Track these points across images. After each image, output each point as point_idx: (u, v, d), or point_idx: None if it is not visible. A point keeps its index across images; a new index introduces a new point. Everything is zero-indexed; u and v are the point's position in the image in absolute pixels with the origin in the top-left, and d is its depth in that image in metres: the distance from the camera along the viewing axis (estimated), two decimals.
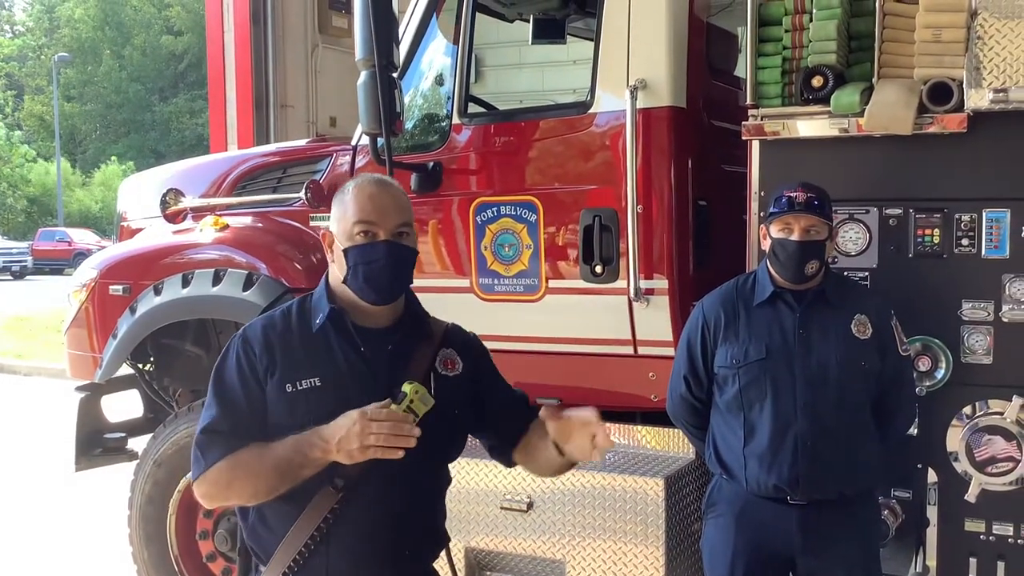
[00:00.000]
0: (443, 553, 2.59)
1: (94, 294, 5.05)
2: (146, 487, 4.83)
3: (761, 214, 3.52)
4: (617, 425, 4.12)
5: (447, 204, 4.22)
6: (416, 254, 2.42)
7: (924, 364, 3.39)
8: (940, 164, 3.40)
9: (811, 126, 3.49)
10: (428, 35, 4.31)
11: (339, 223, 2.34)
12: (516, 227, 4.06)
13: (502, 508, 3.92)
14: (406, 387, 2.22)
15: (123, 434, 5.35)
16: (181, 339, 4.95)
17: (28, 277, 34.77)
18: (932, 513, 3.47)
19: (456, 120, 4.19)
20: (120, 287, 4.95)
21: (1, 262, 34.67)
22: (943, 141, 3.34)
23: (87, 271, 5.20)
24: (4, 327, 18.29)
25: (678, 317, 3.81)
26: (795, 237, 3.07)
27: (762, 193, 3.57)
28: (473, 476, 3.98)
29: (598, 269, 3.91)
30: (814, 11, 3.46)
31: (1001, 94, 3.17)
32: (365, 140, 4.16)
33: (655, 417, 3.95)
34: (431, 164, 4.20)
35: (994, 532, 3.39)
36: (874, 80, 3.39)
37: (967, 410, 3.39)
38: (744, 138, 3.60)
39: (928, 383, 3.40)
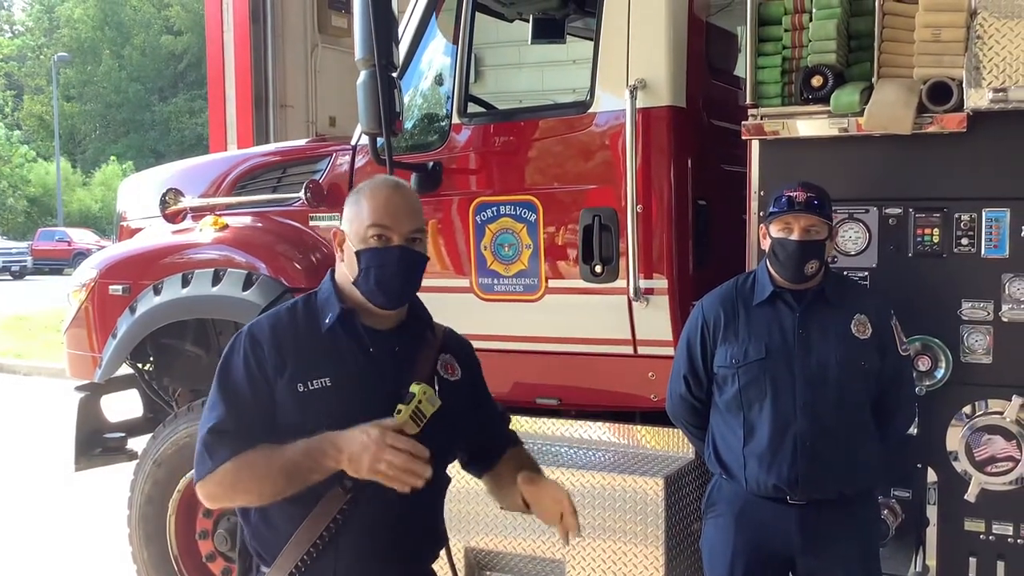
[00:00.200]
0: (443, 553, 2.59)
1: (94, 294, 5.04)
2: (146, 487, 4.83)
3: (761, 214, 3.52)
4: (617, 425, 4.13)
5: (447, 204, 4.22)
6: (427, 260, 2.41)
7: (924, 364, 3.39)
8: (940, 164, 3.40)
9: (811, 126, 3.49)
10: (428, 35, 4.31)
11: (352, 224, 2.32)
12: (516, 227, 4.06)
13: (502, 508, 3.91)
14: (414, 388, 2.24)
15: (123, 434, 5.35)
16: (181, 339, 4.95)
17: (28, 277, 34.77)
18: (932, 513, 3.47)
19: (456, 120, 4.19)
20: (120, 287, 4.95)
21: (1, 262, 34.67)
22: (943, 141, 3.34)
23: (87, 271, 5.20)
24: (4, 327, 18.29)
25: (678, 317, 3.81)
26: (795, 237, 3.07)
27: (762, 193, 3.57)
28: (472, 475, 3.97)
29: (598, 269, 3.91)
30: (814, 10, 3.46)
31: (1001, 94, 3.17)
32: (365, 140, 4.16)
33: (655, 417, 3.95)
34: (431, 164, 4.20)
35: (994, 532, 3.39)
36: (874, 80, 3.39)
37: (967, 410, 3.39)
38: (744, 138, 3.60)
39: (928, 383, 3.40)
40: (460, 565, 3.91)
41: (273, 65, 6.27)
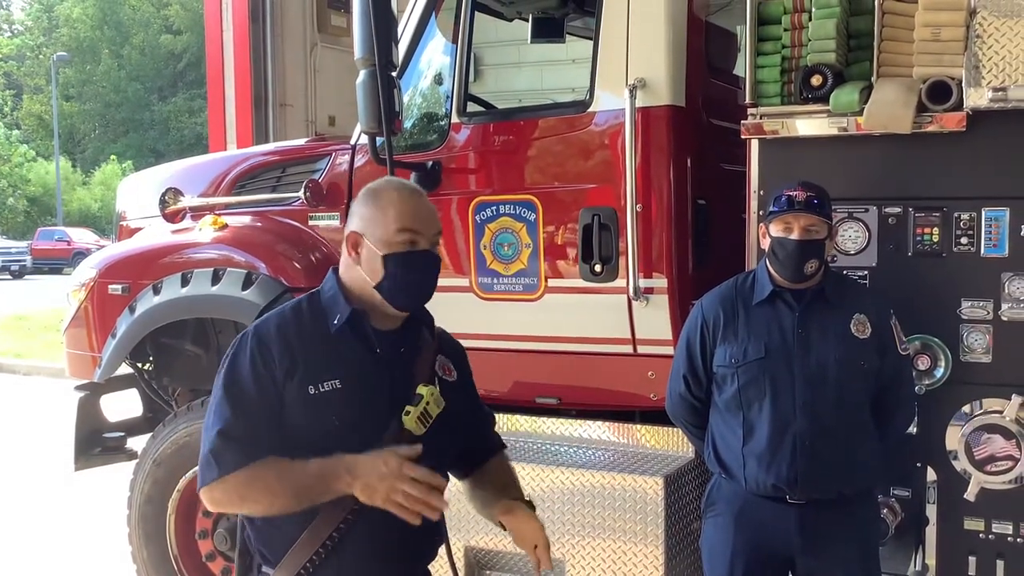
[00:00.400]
0: (443, 552, 2.60)
1: (93, 293, 5.04)
2: (145, 486, 4.82)
3: (760, 213, 3.51)
4: (616, 424, 4.13)
5: (446, 203, 4.21)
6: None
7: (923, 363, 3.39)
8: (939, 163, 3.40)
9: (810, 125, 3.49)
10: (427, 34, 4.31)
11: (375, 227, 2.28)
12: (515, 226, 4.06)
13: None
14: (422, 389, 2.27)
15: (122, 433, 5.35)
16: (180, 338, 4.95)
17: (27, 276, 34.75)
18: (931, 512, 3.47)
19: (455, 119, 4.19)
20: (119, 286, 4.95)
21: (0, 261, 34.67)
22: (942, 140, 3.34)
23: (86, 270, 5.20)
24: (3, 326, 18.29)
25: (677, 316, 3.81)
26: (795, 236, 3.07)
27: (761, 192, 3.57)
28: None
29: (597, 268, 3.91)
30: (813, 10, 3.46)
31: (1000, 93, 3.17)
32: (364, 139, 4.16)
33: (654, 416, 3.95)
34: (430, 163, 4.20)
35: (993, 531, 3.39)
36: (873, 79, 3.39)
37: (966, 409, 3.39)
38: (743, 137, 3.60)
39: (927, 382, 3.40)
40: (460, 564, 3.90)
41: (272, 64, 6.27)
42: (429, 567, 2.50)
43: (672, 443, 3.99)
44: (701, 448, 3.36)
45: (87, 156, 52.66)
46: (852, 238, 3.49)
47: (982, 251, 3.34)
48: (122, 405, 5.48)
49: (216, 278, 4.60)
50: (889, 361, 3.15)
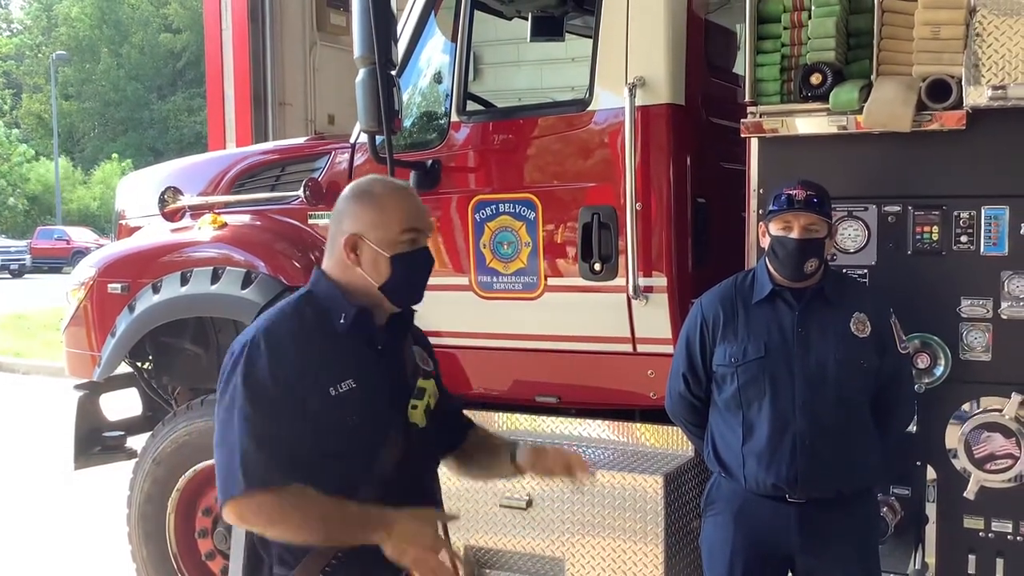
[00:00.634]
0: (444, 551, 2.60)
1: (93, 292, 5.04)
2: (145, 485, 4.83)
3: (760, 211, 3.51)
4: (616, 422, 4.13)
5: (446, 202, 4.22)
6: None
7: (923, 361, 3.39)
8: (939, 161, 3.40)
9: (810, 123, 3.48)
10: (426, 33, 4.31)
11: (378, 229, 2.27)
12: (515, 225, 4.06)
13: (501, 506, 3.92)
14: (423, 383, 2.32)
15: (122, 432, 5.35)
16: (180, 337, 4.95)
17: (27, 275, 34.75)
18: (931, 510, 3.47)
19: (455, 118, 4.19)
20: (119, 285, 4.95)
21: (0, 260, 34.67)
22: (942, 138, 3.34)
23: (86, 269, 5.20)
24: (3, 325, 18.28)
25: (677, 315, 3.81)
26: (794, 235, 3.07)
27: (761, 190, 3.57)
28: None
29: (597, 267, 3.91)
30: (813, 8, 3.45)
31: (1000, 91, 3.17)
32: (364, 138, 4.16)
33: (654, 415, 3.95)
34: (430, 162, 4.20)
35: (993, 529, 3.39)
36: (873, 77, 3.38)
37: (966, 407, 3.39)
38: (743, 135, 3.60)
39: (927, 380, 3.40)
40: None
41: (272, 63, 6.26)
42: None
43: (672, 442, 3.99)
44: (701, 447, 3.36)
45: (86, 155, 52.64)
46: (852, 237, 3.49)
47: (982, 249, 3.34)
48: (121, 404, 5.47)
49: (215, 277, 4.60)
50: (889, 360, 3.15)
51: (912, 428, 3.39)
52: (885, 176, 3.47)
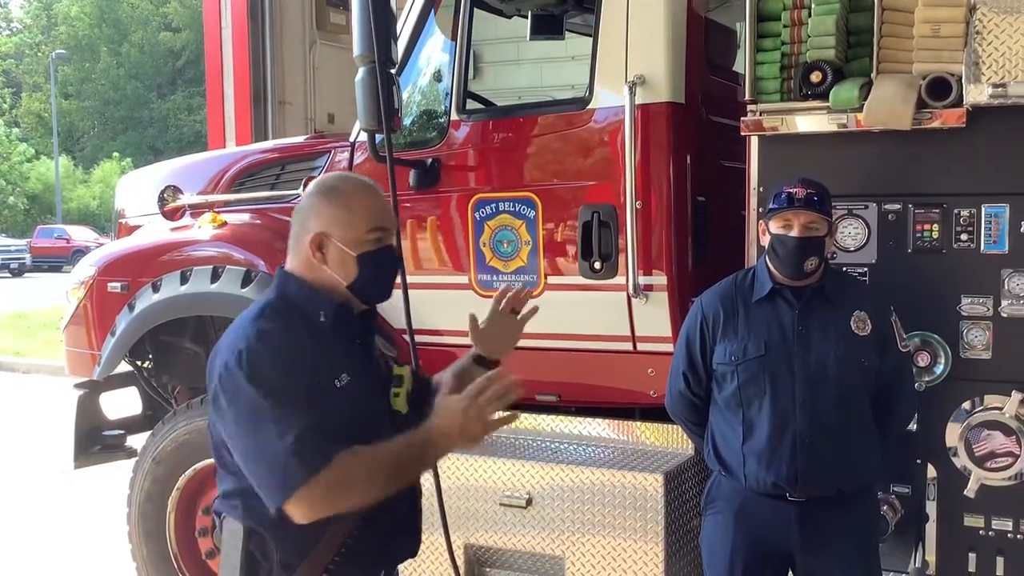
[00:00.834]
0: (444, 549, 2.62)
1: (92, 291, 5.04)
2: (145, 484, 4.82)
3: (760, 210, 3.51)
4: (616, 421, 4.13)
5: (446, 200, 4.22)
6: None
7: (923, 359, 3.39)
8: (939, 159, 3.39)
9: (810, 121, 3.48)
10: (426, 31, 4.31)
11: (345, 228, 2.26)
12: (515, 223, 4.06)
13: (501, 504, 3.92)
14: (400, 370, 2.36)
15: (122, 431, 5.35)
16: (180, 336, 4.95)
17: (27, 274, 34.75)
18: (931, 508, 3.47)
19: (455, 116, 4.19)
20: (118, 284, 4.95)
21: (0, 259, 34.66)
22: (942, 136, 3.33)
23: (85, 268, 5.20)
24: (3, 324, 18.28)
25: (677, 313, 3.81)
26: (795, 233, 3.06)
27: (761, 189, 3.56)
28: (472, 472, 3.98)
29: (597, 265, 3.90)
30: (813, 6, 3.45)
31: (1000, 89, 3.17)
32: (363, 136, 4.16)
33: (654, 413, 3.95)
34: (429, 160, 4.20)
35: (993, 527, 3.39)
36: (873, 75, 3.38)
37: (966, 405, 3.39)
38: (743, 134, 3.60)
39: (927, 378, 3.40)
40: (460, 562, 3.90)
41: (271, 62, 6.26)
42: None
43: (672, 440, 3.99)
44: (701, 445, 3.36)
45: (86, 154, 52.63)
46: (852, 235, 3.49)
47: (982, 247, 3.34)
48: (121, 403, 5.47)
49: (215, 276, 4.60)
50: (889, 358, 3.15)
51: (912, 426, 3.39)
52: (885, 174, 3.47)
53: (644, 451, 4.02)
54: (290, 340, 2.20)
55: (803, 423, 3.03)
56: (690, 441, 3.80)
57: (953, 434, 3.40)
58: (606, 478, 3.76)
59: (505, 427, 4.19)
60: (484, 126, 4.20)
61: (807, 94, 3.45)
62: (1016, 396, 3.28)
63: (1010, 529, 3.37)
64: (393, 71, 3.72)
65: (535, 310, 2.75)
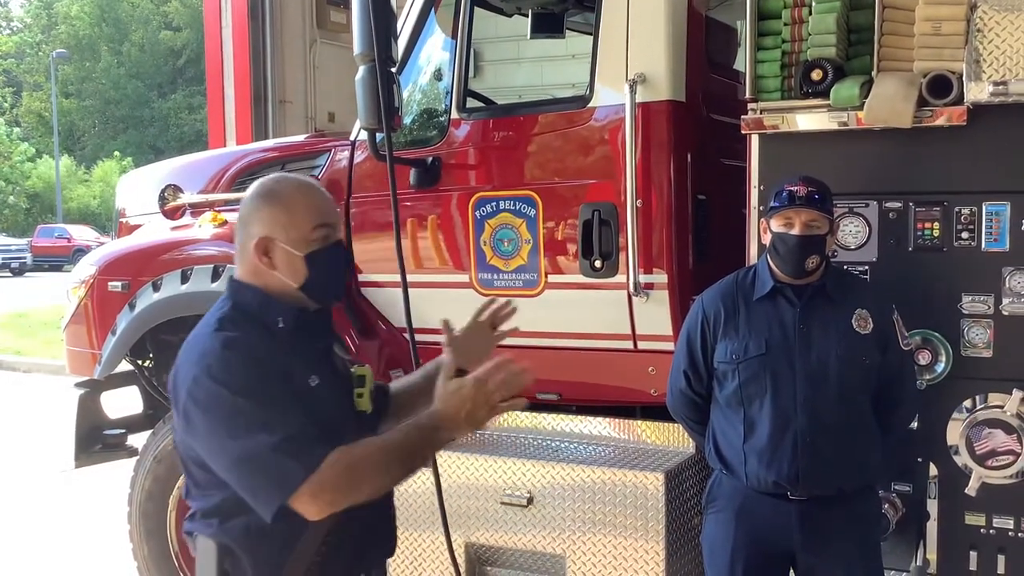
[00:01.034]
0: (445, 549, 2.61)
1: (93, 290, 5.04)
2: (146, 483, 4.83)
3: (761, 208, 3.51)
4: (617, 420, 4.13)
5: (446, 199, 4.22)
6: None
7: (924, 358, 3.39)
8: (940, 157, 3.39)
9: (811, 120, 3.48)
10: (426, 30, 4.30)
11: (288, 229, 2.20)
12: (515, 222, 4.06)
13: (502, 503, 3.92)
14: (361, 370, 2.34)
15: (123, 430, 5.34)
16: (181, 335, 4.90)
17: (27, 274, 34.76)
18: (932, 507, 3.47)
19: (455, 115, 4.19)
20: (119, 283, 4.95)
21: (0, 259, 34.67)
22: (943, 134, 3.33)
23: (86, 267, 5.20)
24: (3, 324, 18.29)
25: (678, 312, 3.81)
26: (796, 231, 3.06)
27: (761, 187, 3.56)
28: (473, 471, 3.98)
29: (597, 264, 3.90)
30: (813, 4, 3.45)
31: (1001, 87, 3.16)
32: (364, 135, 4.16)
33: (655, 411, 3.95)
34: (430, 159, 4.20)
35: (994, 525, 3.39)
36: (874, 73, 3.38)
37: (967, 403, 3.39)
38: (743, 132, 3.59)
39: (928, 377, 3.39)
40: (461, 561, 3.90)
41: (272, 61, 6.26)
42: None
43: (673, 439, 3.99)
44: (702, 444, 3.36)
45: (87, 153, 52.65)
46: (852, 233, 3.49)
47: (983, 245, 3.33)
48: (122, 402, 5.47)
49: (216, 275, 4.59)
50: (891, 356, 3.14)
51: (913, 424, 3.39)
52: (886, 172, 3.47)
53: (645, 450, 4.01)
54: (256, 345, 2.15)
55: (804, 422, 3.03)
56: (691, 440, 3.79)
57: (954, 432, 3.39)
58: (607, 477, 3.75)
59: (505, 426, 4.20)
60: (484, 124, 4.19)
61: (808, 92, 3.45)
62: (1017, 394, 3.28)
63: (1011, 527, 3.36)
64: (393, 70, 3.72)
65: (515, 330, 2.70)
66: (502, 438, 4.24)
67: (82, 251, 24.44)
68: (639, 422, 4.09)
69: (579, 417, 4.19)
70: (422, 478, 3.97)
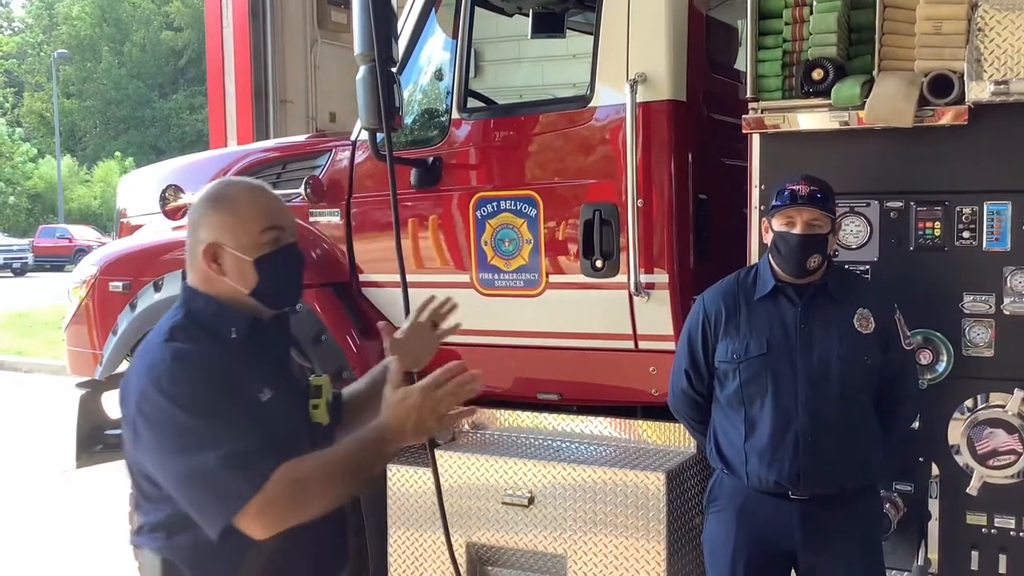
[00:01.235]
0: (445, 548, 2.60)
1: (94, 290, 5.04)
2: None
3: (762, 207, 3.51)
4: (618, 419, 4.13)
5: (447, 199, 4.22)
6: None
7: (925, 357, 3.38)
8: (941, 157, 3.38)
9: (812, 119, 3.48)
10: (427, 30, 4.31)
11: (236, 233, 2.15)
12: (516, 222, 4.06)
13: (503, 503, 3.92)
14: (318, 380, 2.29)
15: None
16: None
17: (29, 274, 34.78)
18: (934, 506, 3.46)
19: (455, 115, 4.19)
20: (120, 283, 4.95)
21: (2, 259, 34.69)
22: (944, 134, 3.33)
23: (87, 267, 5.20)
24: (5, 324, 18.30)
25: (679, 311, 3.81)
26: (797, 230, 3.06)
27: (762, 186, 3.56)
28: (474, 471, 3.98)
29: (598, 264, 3.90)
30: (814, 3, 3.45)
31: (1002, 86, 3.16)
32: (364, 135, 4.16)
33: (656, 411, 3.94)
34: (431, 159, 4.20)
35: (996, 525, 3.38)
36: (875, 72, 3.37)
37: (968, 403, 3.38)
38: (744, 131, 3.59)
39: (929, 376, 3.39)
40: (462, 561, 3.90)
41: (273, 61, 6.27)
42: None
43: (674, 438, 3.99)
44: (703, 443, 3.35)
45: (88, 153, 52.66)
46: (854, 232, 3.48)
47: (984, 245, 3.33)
48: None
49: None
50: (893, 356, 3.14)
51: (915, 424, 3.38)
52: (887, 172, 3.46)
53: (646, 449, 4.01)
54: (207, 358, 2.09)
55: (805, 421, 3.03)
56: (692, 439, 3.79)
57: (955, 432, 3.39)
58: (608, 476, 3.75)
59: (505, 426, 4.20)
60: (485, 124, 4.19)
61: (809, 92, 3.44)
62: (1018, 394, 3.27)
63: (1013, 527, 3.36)
64: (394, 69, 3.72)
65: (457, 326, 2.65)
66: (503, 438, 4.25)
67: (83, 251, 24.46)
68: (640, 422, 4.09)
69: (580, 417, 4.19)
70: (422, 478, 3.97)
